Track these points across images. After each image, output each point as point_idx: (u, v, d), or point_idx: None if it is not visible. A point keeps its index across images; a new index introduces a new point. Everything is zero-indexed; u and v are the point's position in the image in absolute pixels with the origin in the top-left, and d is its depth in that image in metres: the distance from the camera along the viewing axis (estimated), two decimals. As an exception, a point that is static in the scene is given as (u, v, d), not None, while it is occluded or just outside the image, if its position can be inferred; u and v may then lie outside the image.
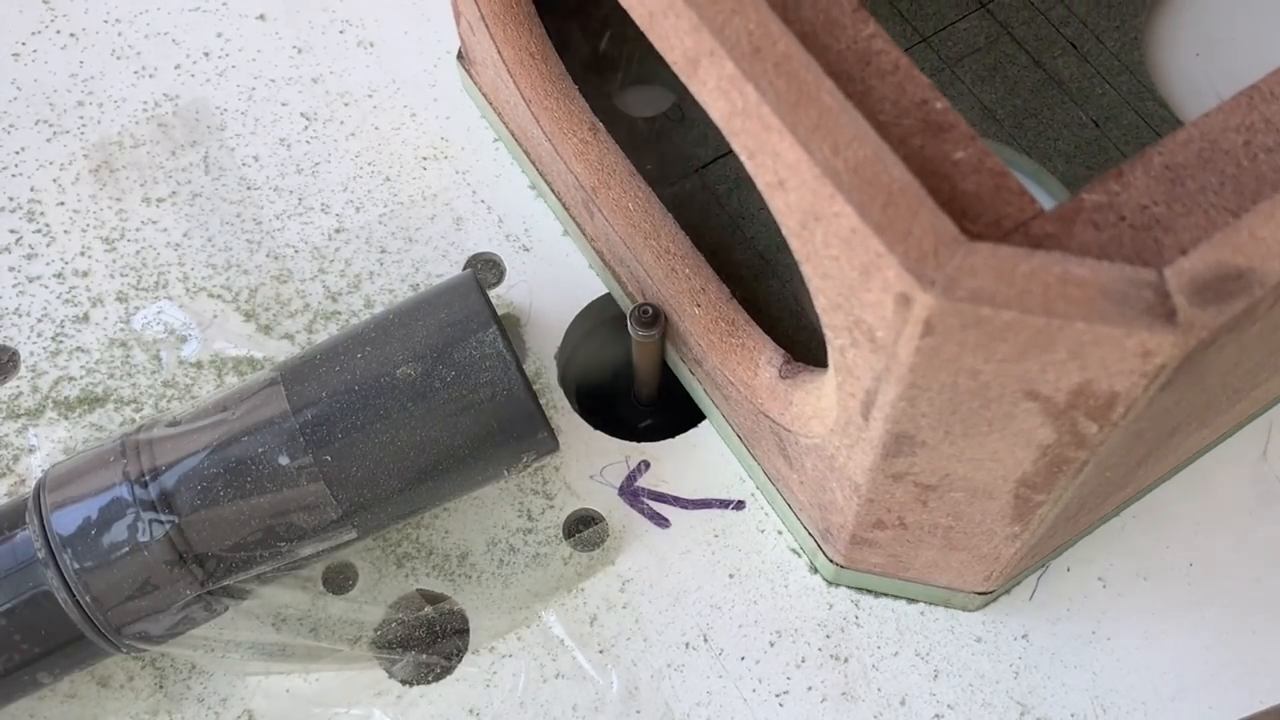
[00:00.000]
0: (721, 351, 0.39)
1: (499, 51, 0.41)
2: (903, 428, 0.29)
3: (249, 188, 0.48)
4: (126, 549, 0.35)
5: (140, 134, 0.50)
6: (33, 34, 0.52)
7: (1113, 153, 0.46)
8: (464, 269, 0.47)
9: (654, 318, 0.40)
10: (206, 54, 0.51)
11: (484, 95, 0.46)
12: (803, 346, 0.43)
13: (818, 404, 0.34)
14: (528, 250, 0.47)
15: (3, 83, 0.51)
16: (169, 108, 0.50)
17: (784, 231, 0.28)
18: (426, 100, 0.50)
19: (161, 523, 0.35)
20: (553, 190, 0.46)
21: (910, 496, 0.33)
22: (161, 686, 0.41)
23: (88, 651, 0.37)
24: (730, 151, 0.46)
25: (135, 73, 0.51)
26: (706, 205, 0.46)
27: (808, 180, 0.26)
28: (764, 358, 0.38)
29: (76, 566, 0.35)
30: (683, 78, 0.29)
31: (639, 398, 0.47)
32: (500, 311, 0.46)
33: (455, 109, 0.50)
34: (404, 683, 0.41)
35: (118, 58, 0.51)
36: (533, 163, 0.46)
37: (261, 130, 0.50)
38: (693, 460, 0.44)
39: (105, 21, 0.52)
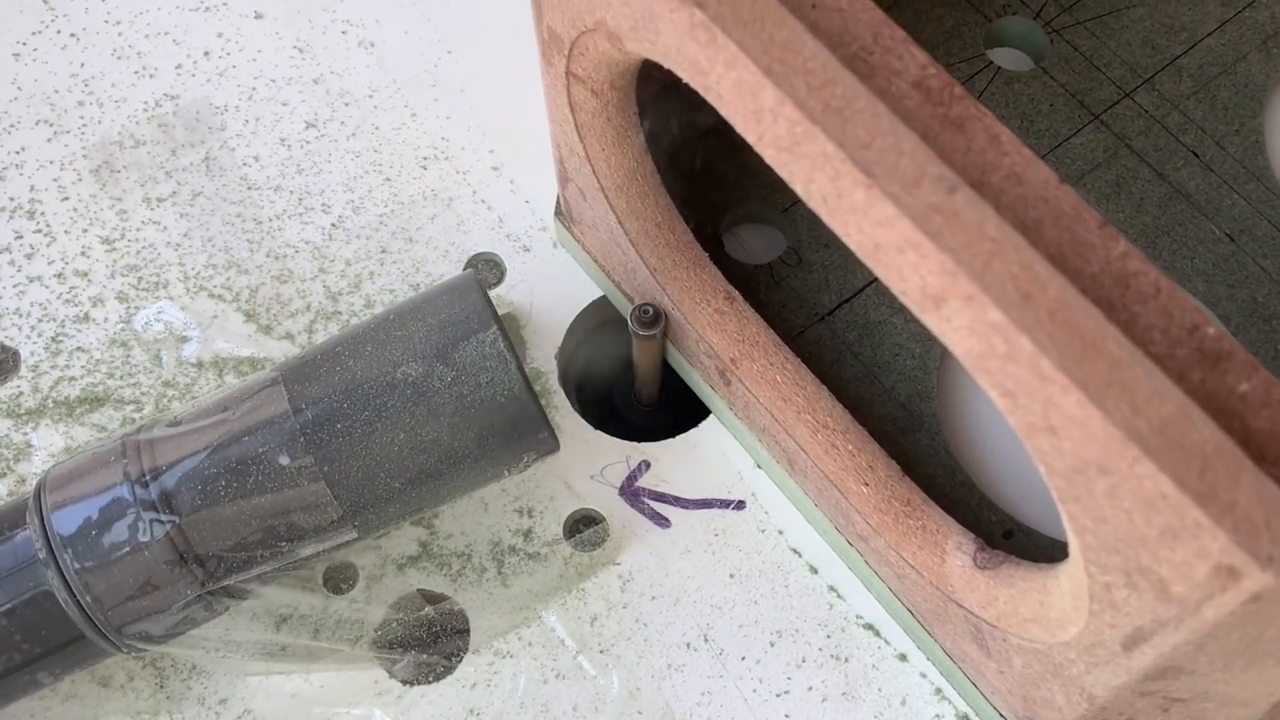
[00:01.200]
0: (897, 534, 0.37)
1: (620, 222, 0.39)
2: (1176, 663, 0.27)
3: (249, 187, 0.49)
4: (127, 549, 0.35)
5: (141, 134, 0.50)
6: (33, 34, 0.52)
7: (1251, 268, 0.44)
8: (464, 269, 0.47)
9: (654, 318, 0.40)
10: (207, 54, 0.51)
11: (589, 254, 0.44)
12: (963, 505, 0.40)
13: (1040, 609, 0.31)
14: (528, 250, 0.47)
15: (3, 83, 0.51)
16: (169, 108, 0.50)
17: (1044, 470, 0.26)
18: (427, 100, 0.50)
19: (162, 523, 0.35)
20: (679, 350, 0.43)
21: (1153, 706, 0.30)
22: (162, 686, 0.41)
23: (88, 651, 0.37)
24: (858, 295, 0.44)
25: (136, 73, 0.51)
26: (837, 356, 0.43)
27: (1097, 436, 0.23)
28: (951, 543, 0.36)
29: (77, 566, 0.35)
30: (914, 310, 0.26)
31: (640, 398, 0.47)
32: (501, 311, 0.46)
33: (455, 109, 0.50)
34: (404, 683, 0.41)
35: (118, 58, 0.51)
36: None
37: (262, 130, 0.50)
38: (693, 460, 0.44)
39: (106, 21, 0.52)
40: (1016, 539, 0.40)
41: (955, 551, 0.35)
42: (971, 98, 0.25)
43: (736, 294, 0.40)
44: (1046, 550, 0.40)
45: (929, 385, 0.42)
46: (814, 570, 0.42)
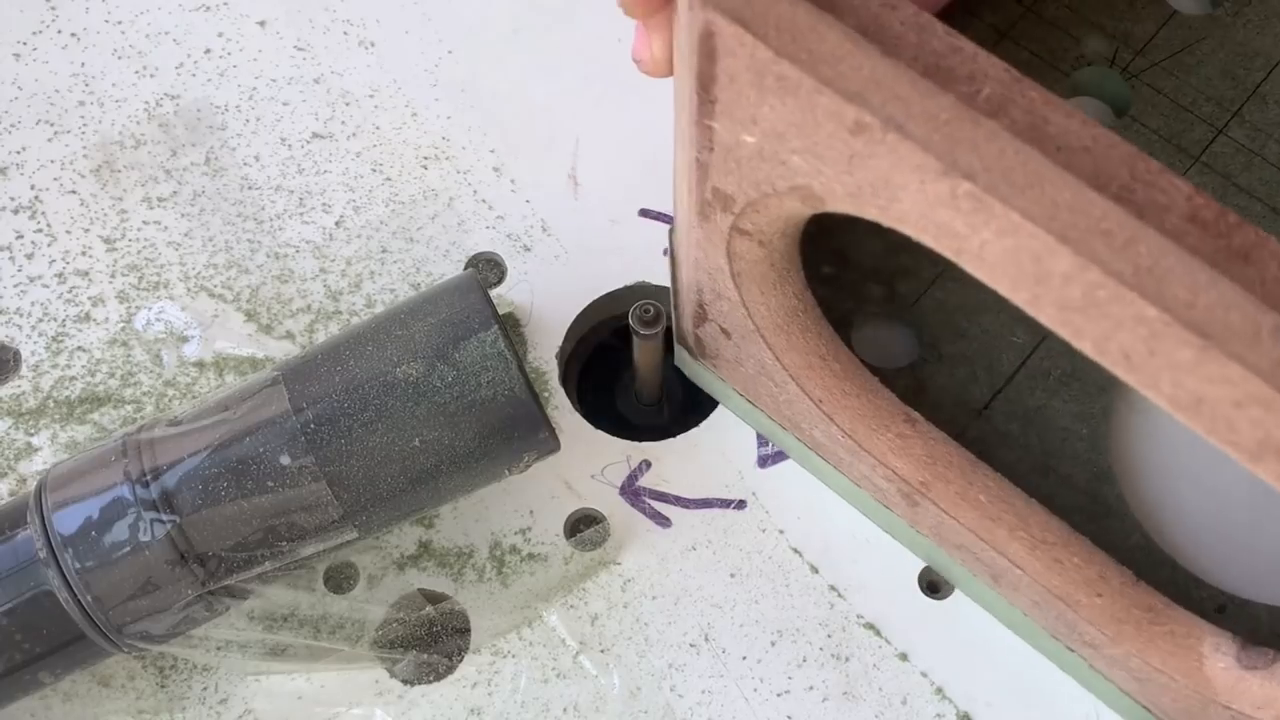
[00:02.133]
0: (1140, 641, 0.35)
1: (778, 359, 0.37)
2: None
3: (250, 187, 0.49)
4: (128, 548, 0.35)
5: (141, 133, 0.50)
6: (34, 34, 0.52)
7: None
8: (465, 268, 0.47)
9: (655, 317, 0.40)
10: (208, 54, 0.51)
11: (730, 384, 0.42)
12: (1168, 585, 0.38)
13: None
14: (529, 250, 0.47)
15: (4, 82, 0.51)
16: (170, 107, 0.50)
17: None
18: (428, 100, 0.50)
19: (163, 522, 0.35)
20: (845, 475, 0.41)
21: None
22: (163, 686, 0.41)
23: (89, 651, 0.37)
24: (1010, 382, 0.41)
25: (136, 72, 0.51)
26: (1006, 451, 0.40)
27: None
28: (1207, 645, 0.34)
29: (78, 566, 0.35)
30: (1245, 460, 0.25)
31: (640, 397, 0.47)
32: (501, 311, 0.46)
33: (455, 109, 0.50)
34: (405, 682, 0.41)
35: (119, 57, 0.51)
36: (810, 449, 0.41)
37: (263, 130, 0.50)
38: (694, 460, 0.44)
39: (106, 21, 0.52)
40: (1229, 611, 0.38)
41: (1214, 654, 0.34)
42: (1244, 220, 0.24)
43: (918, 416, 0.38)
44: (1266, 620, 0.38)
45: (1105, 466, 0.40)
46: (815, 570, 0.42)
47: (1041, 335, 0.41)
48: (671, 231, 0.40)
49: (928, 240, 0.27)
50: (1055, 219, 0.24)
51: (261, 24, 0.52)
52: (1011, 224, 0.24)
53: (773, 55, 0.25)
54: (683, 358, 0.44)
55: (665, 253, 0.46)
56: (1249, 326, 0.23)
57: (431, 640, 0.41)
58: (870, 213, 0.28)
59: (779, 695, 0.40)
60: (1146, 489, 0.40)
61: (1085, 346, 0.25)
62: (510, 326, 0.46)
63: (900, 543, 0.42)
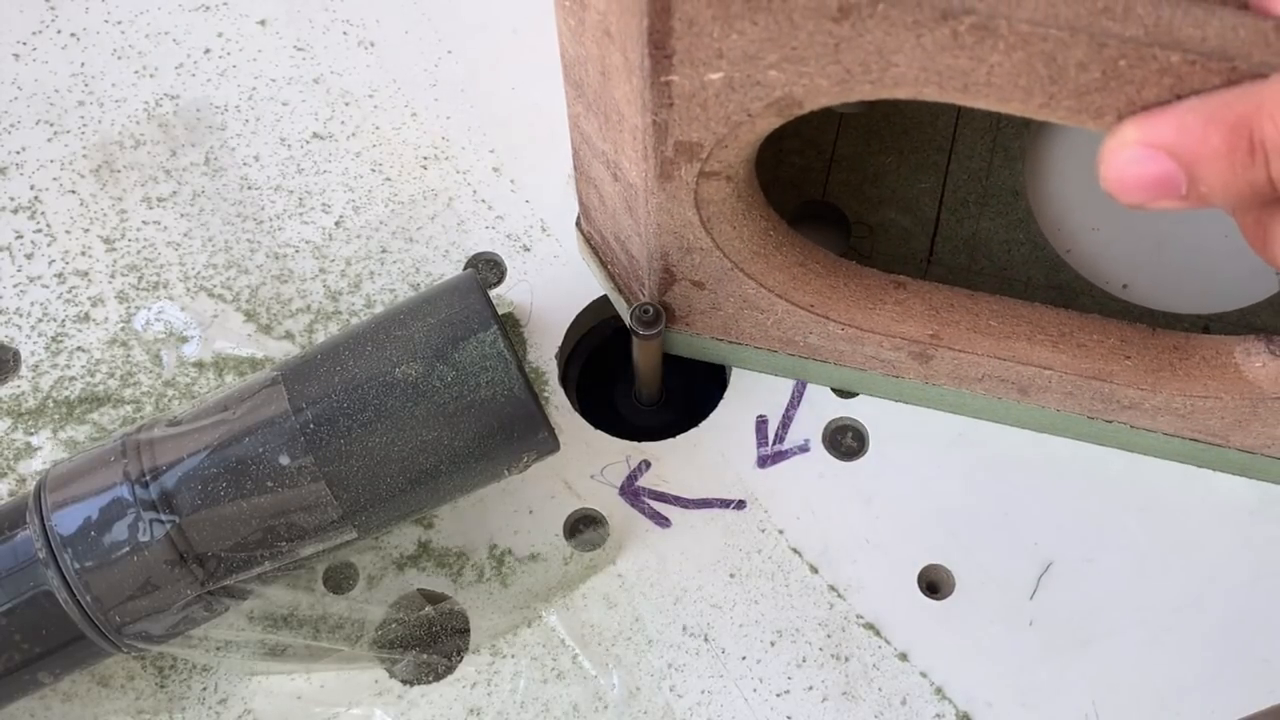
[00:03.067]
0: (1180, 380, 0.38)
1: (761, 284, 0.38)
2: None
3: (249, 187, 0.49)
4: (127, 549, 0.35)
5: (141, 134, 0.50)
6: (34, 34, 0.52)
7: None
8: (465, 268, 0.47)
9: (655, 317, 0.40)
10: (207, 54, 0.51)
11: (709, 336, 0.43)
12: (1150, 319, 0.42)
13: None
14: (528, 250, 0.47)
15: (4, 82, 0.51)
16: (170, 107, 0.50)
17: None
18: (427, 100, 0.50)
19: (162, 522, 0.35)
20: (848, 367, 0.43)
21: None
22: (162, 686, 0.41)
23: (88, 651, 0.37)
24: (939, 225, 0.45)
25: (136, 72, 0.51)
26: (960, 284, 0.42)
27: None
28: (1238, 354, 0.37)
29: (77, 566, 0.35)
30: None
31: (640, 397, 0.47)
32: (501, 311, 0.46)
33: (455, 109, 0.50)
34: (405, 682, 0.41)
35: (119, 57, 0.51)
36: (806, 357, 0.43)
37: (262, 130, 0.50)
38: (693, 460, 0.44)
39: (106, 21, 0.52)
40: (1213, 328, 0.42)
41: (1247, 359, 0.37)
42: None
43: (904, 278, 0.40)
44: (1247, 319, 0.43)
45: (1054, 257, 0.45)
46: (814, 570, 0.42)
47: (943, 174, 0.45)
48: (583, 227, 0.42)
49: (929, 92, 0.29)
50: (1059, 16, 0.26)
51: (261, 24, 0.52)
52: (1020, 37, 0.26)
53: None
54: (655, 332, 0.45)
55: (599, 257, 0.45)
56: (1258, 36, 0.26)
57: (431, 640, 0.41)
58: (861, 93, 0.29)
59: (778, 695, 0.40)
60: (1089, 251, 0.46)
61: (1105, 122, 0.28)
62: (510, 327, 0.46)
63: (921, 405, 0.44)
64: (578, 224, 0.44)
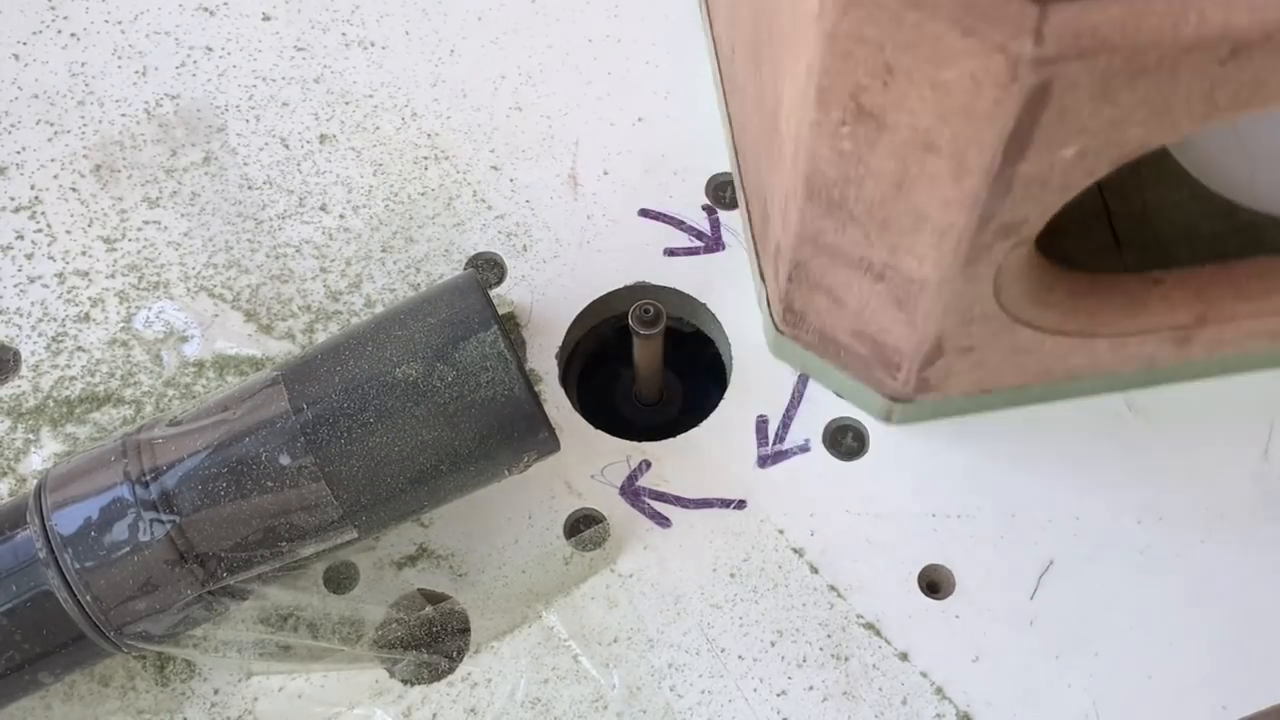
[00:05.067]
0: None
1: (1037, 328, 0.37)
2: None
3: (250, 187, 0.49)
4: (127, 549, 0.35)
5: (141, 134, 0.50)
6: (34, 34, 0.52)
7: None
8: (465, 268, 0.47)
9: (655, 317, 0.40)
10: (208, 54, 0.51)
11: (953, 400, 0.42)
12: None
13: None
14: (528, 250, 0.47)
15: (4, 82, 0.51)
16: (170, 107, 0.50)
17: None
18: (427, 100, 0.50)
19: (162, 522, 0.35)
20: (1087, 382, 0.42)
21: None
22: (162, 686, 0.41)
23: (88, 651, 0.37)
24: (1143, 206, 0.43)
25: (136, 72, 0.51)
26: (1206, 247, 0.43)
27: None
28: None
29: (77, 566, 0.35)
30: None
31: (640, 397, 0.47)
32: (501, 311, 0.46)
33: (455, 109, 0.50)
34: (405, 682, 0.41)
35: (119, 57, 0.51)
36: (1055, 384, 0.42)
37: (262, 130, 0.50)
38: (693, 460, 0.44)
39: (106, 21, 0.52)
40: None
41: None
42: None
43: (1159, 272, 0.39)
44: None
45: (1224, 203, 0.43)
46: (814, 570, 0.42)
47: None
48: (784, 329, 0.41)
49: None
50: None
51: (261, 24, 0.52)
52: None
53: (1129, 54, 0.26)
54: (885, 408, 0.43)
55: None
56: None
57: (431, 640, 0.41)
58: (1224, 119, 0.28)
59: (778, 695, 0.40)
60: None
61: None
62: (510, 326, 0.46)
63: (1161, 383, 0.43)
64: (774, 324, 0.43)
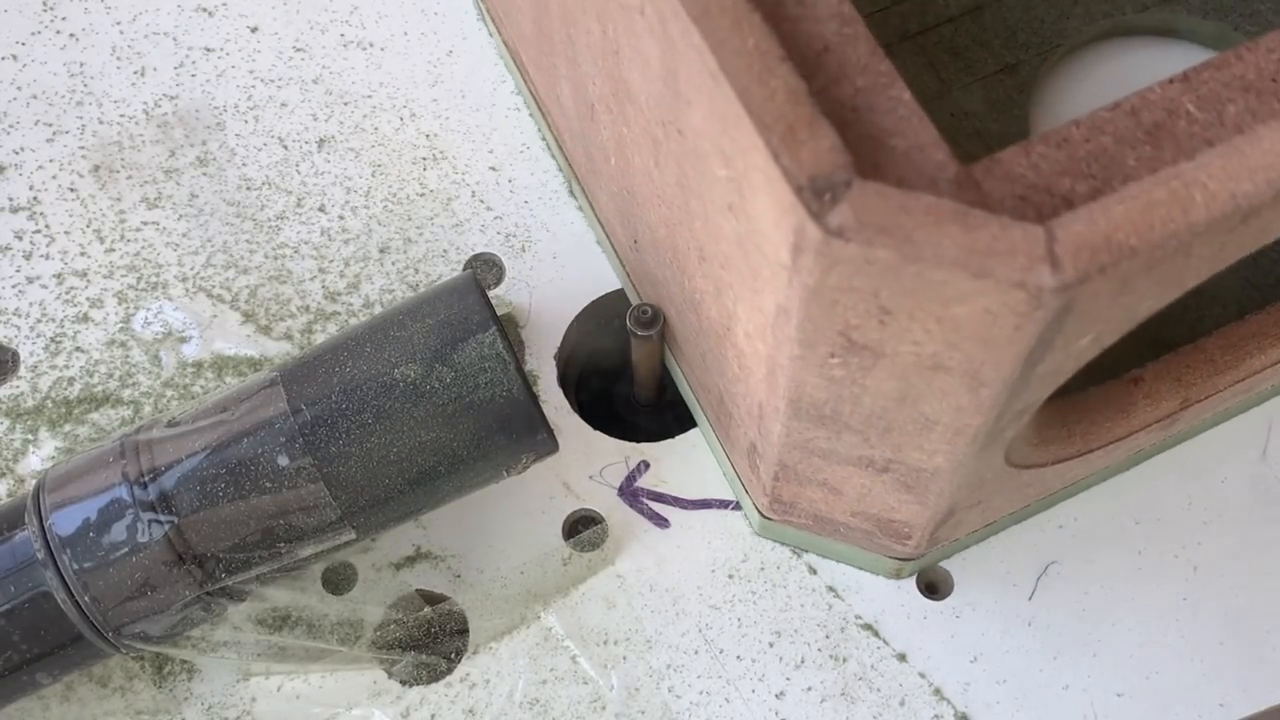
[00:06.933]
0: None
1: (1038, 467, 0.36)
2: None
3: (248, 188, 0.49)
4: (126, 549, 0.35)
5: (140, 134, 0.50)
6: (32, 34, 0.52)
7: None
8: (463, 269, 0.47)
9: (652, 318, 0.40)
10: (206, 54, 0.51)
11: (966, 535, 0.41)
12: None
13: None
14: (527, 250, 0.47)
15: (3, 83, 0.51)
16: (169, 108, 0.50)
17: None
18: (426, 100, 0.50)
19: (161, 523, 0.35)
20: (1087, 476, 0.42)
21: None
22: (161, 687, 0.41)
23: (87, 652, 0.37)
24: None
25: (135, 73, 0.51)
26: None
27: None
28: None
29: (76, 567, 0.35)
30: None
31: (639, 398, 0.47)
32: (500, 312, 0.46)
33: (455, 109, 0.50)
34: (403, 683, 0.41)
35: (118, 58, 0.51)
36: (1049, 496, 0.42)
37: (261, 130, 0.50)
38: (692, 460, 0.44)
39: (105, 21, 0.52)
40: None
41: None
42: None
43: (1136, 370, 0.38)
44: None
45: None
46: (813, 570, 0.42)
47: None
48: (771, 515, 0.39)
49: None
50: None
51: (260, 24, 0.52)
52: None
53: (1147, 255, 0.24)
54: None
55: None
56: None
57: (429, 641, 0.41)
58: (1227, 264, 0.28)
59: (777, 696, 0.40)
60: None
61: None
62: (509, 327, 0.46)
63: (1146, 459, 0.43)
64: (757, 511, 0.41)
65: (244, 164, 0.49)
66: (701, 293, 0.35)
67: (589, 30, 0.34)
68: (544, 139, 0.49)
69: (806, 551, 0.42)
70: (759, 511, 0.40)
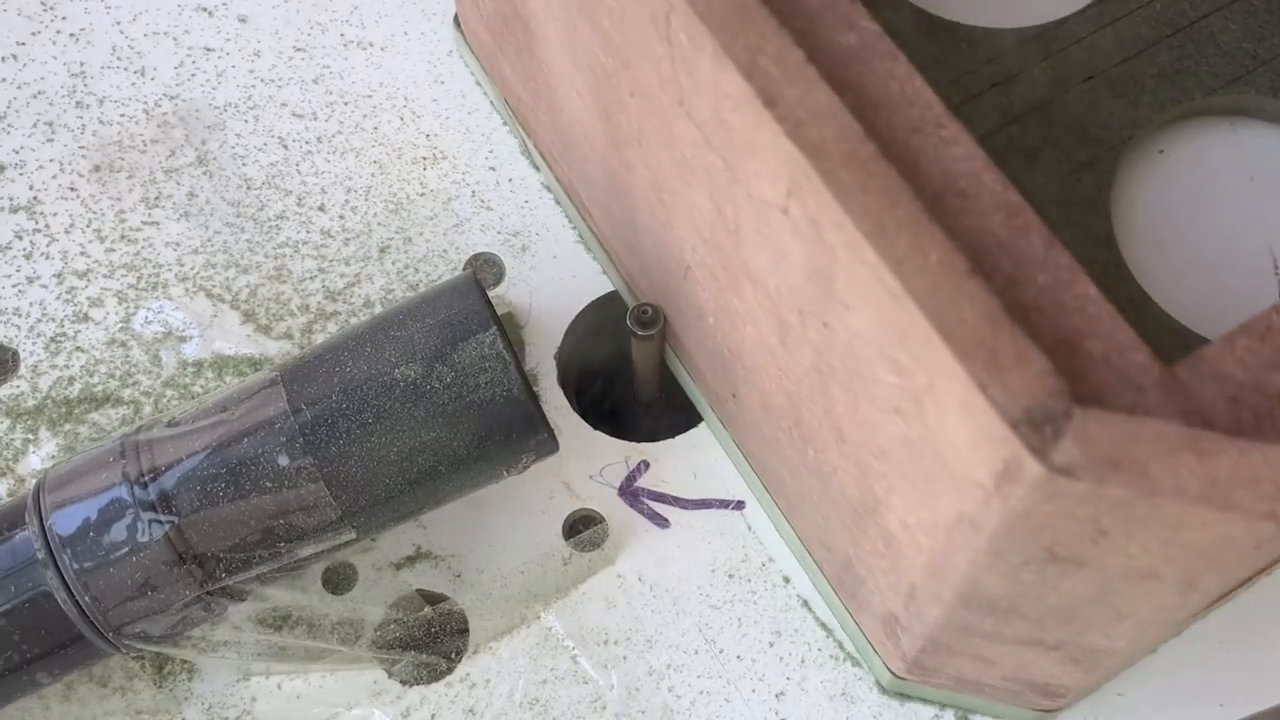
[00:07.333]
0: None
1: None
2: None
3: (248, 187, 0.49)
4: (126, 549, 0.35)
5: (140, 134, 0.50)
6: (32, 34, 0.52)
7: None
8: (464, 269, 0.47)
9: (653, 317, 0.40)
10: (207, 54, 0.51)
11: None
12: None
13: None
14: (528, 250, 0.47)
15: (3, 83, 0.51)
16: (169, 107, 0.50)
17: None
18: (426, 100, 0.50)
19: (161, 523, 0.35)
20: None
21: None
22: (161, 687, 0.41)
23: (87, 652, 0.37)
24: None
25: (135, 72, 0.51)
26: None
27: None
28: None
29: (76, 567, 0.35)
30: None
31: (639, 398, 0.47)
32: (500, 311, 0.45)
33: (455, 109, 0.50)
34: (404, 683, 0.41)
35: (118, 58, 0.51)
36: None
37: (261, 130, 0.50)
38: (692, 460, 0.44)
39: (105, 21, 0.52)
40: None
41: None
42: None
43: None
44: None
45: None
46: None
47: None
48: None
49: None
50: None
51: (260, 24, 0.52)
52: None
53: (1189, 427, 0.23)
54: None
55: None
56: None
57: (430, 641, 0.41)
58: None
59: (777, 696, 0.40)
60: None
61: None
62: (509, 327, 0.46)
63: None
64: (888, 671, 0.39)
65: (244, 164, 0.49)
66: (836, 468, 0.33)
67: (694, 204, 0.32)
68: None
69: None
70: (890, 671, 0.38)
